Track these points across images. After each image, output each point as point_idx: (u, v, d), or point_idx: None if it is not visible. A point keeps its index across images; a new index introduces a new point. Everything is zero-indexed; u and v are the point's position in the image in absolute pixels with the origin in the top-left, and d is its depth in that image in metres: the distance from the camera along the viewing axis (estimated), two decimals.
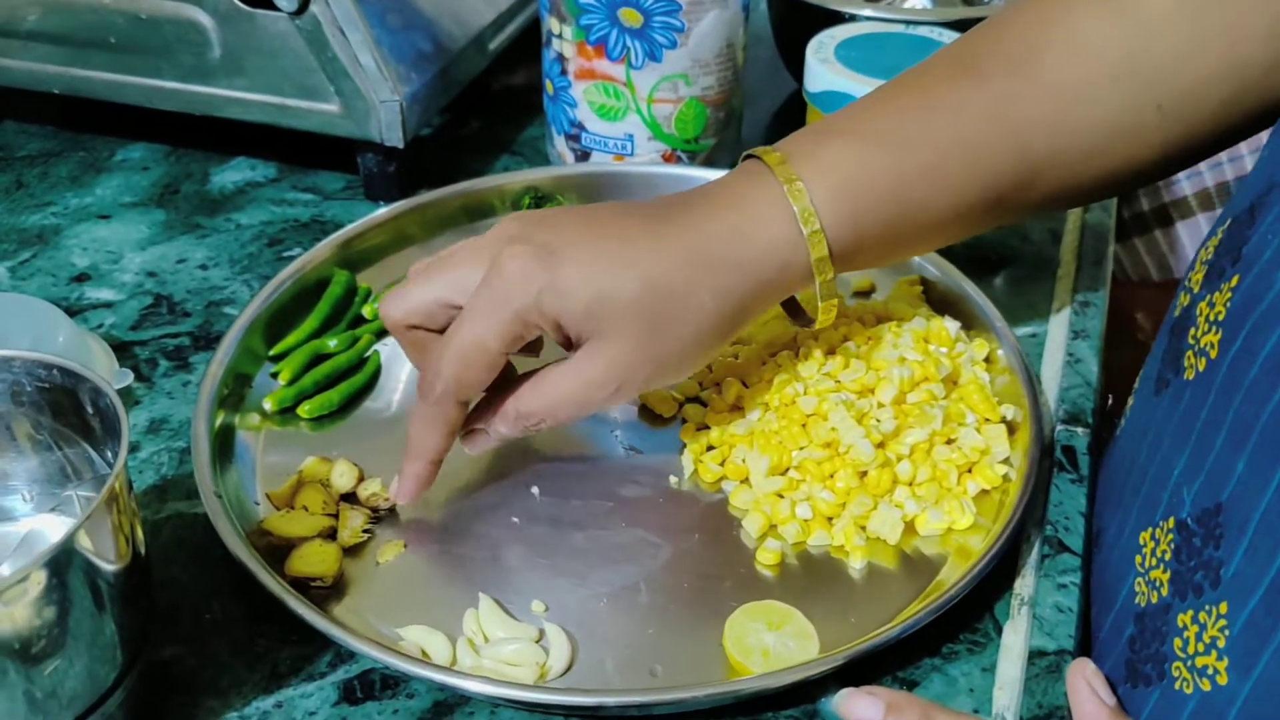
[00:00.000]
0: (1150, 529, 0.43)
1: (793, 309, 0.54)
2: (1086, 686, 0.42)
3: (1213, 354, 0.41)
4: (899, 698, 0.40)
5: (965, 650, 0.47)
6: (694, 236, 0.48)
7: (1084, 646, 0.47)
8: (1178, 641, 0.39)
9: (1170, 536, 0.41)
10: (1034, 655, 0.45)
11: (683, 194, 0.51)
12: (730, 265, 0.48)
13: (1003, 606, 0.49)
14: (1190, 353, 0.43)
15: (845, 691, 0.41)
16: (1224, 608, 0.37)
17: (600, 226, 0.48)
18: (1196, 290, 0.44)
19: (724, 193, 0.50)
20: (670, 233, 0.48)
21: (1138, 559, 0.44)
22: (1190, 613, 0.39)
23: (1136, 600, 0.43)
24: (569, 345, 0.48)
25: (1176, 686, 0.39)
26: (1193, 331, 0.43)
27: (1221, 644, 0.37)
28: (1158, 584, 0.41)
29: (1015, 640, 0.47)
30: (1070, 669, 0.43)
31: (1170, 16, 0.49)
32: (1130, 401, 0.51)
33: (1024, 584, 0.49)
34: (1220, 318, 0.41)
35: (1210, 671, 0.38)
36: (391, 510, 0.52)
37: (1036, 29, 0.51)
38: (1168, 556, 0.41)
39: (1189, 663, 0.39)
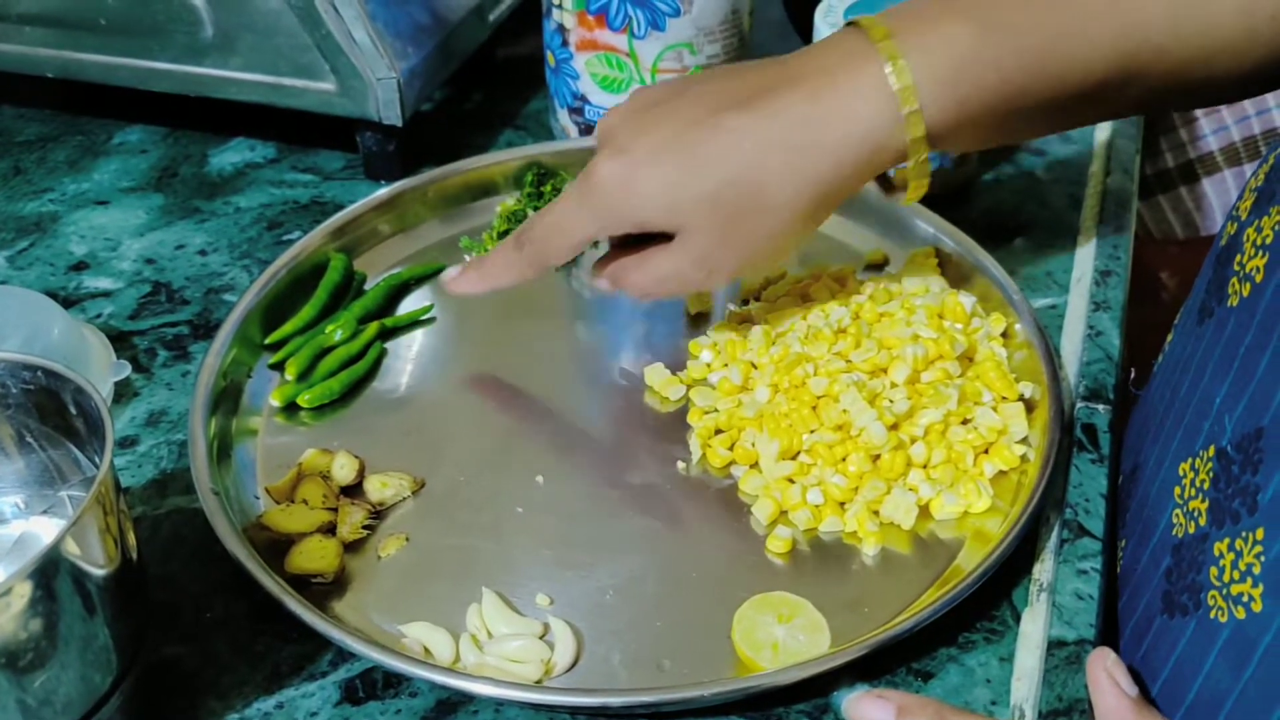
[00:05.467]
0: (1190, 459, 0.42)
1: (884, 181, 0.54)
2: (1107, 678, 0.41)
3: (1258, 278, 0.41)
4: (910, 700, 0.38)
5: (982, 640, 0.46)
6: (773, 125, 0.48)
7: (1106, 635, 0.46)
8: (1214, 570, 0.39)
9: (1209, 465, 0.41)
10: (1053, 645, 0.44)
11: (778, 65, 0.51)
12: (810, 155, 0.48)
13: (1021, 593, 0.47)
14: (1235, 279, 0.42)
15: (854, 696, 0.40)
16: (1260, 534, 0.37)
17: (683, 124, 0.49)
18: (1244, 218, 0.43)
19: (819, 68, 0.49)
20: (750, 123, 0.48)
21: (1177, 490, 0.43)
22: (1227, 540, 0.39)
23: (1174, 532, 0.42)
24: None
25: (1212, 615, 0.39)
26: (1239, 258, 0.43)
27: (1257, 570, 0.37)
28: (1196, 514, 0.41)
29: (1034, 629, 0.45)
30: (1091, 659, 0.42)
31: None
32: (1169, 337, 0.51)
33: (1043, 569, 0.47)
34: (1268, 241, 0.41)
35: (1245, 599, 0.37)
36: (393, 505, 0.51)
37: None
38: (1206, 485, 0.41)
39: (1224, 591, 0.38)
